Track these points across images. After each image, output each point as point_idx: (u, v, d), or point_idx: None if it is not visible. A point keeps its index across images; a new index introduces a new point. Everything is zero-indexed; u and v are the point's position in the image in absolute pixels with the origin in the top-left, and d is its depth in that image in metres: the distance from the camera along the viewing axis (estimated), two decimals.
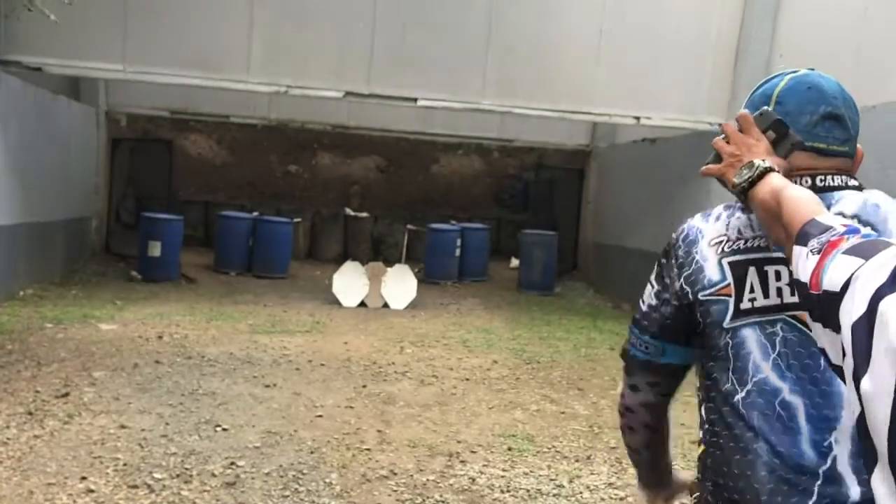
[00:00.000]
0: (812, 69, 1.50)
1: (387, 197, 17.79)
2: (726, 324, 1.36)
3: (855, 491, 1.22)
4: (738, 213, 1.44)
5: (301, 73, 9.23)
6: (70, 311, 8.69)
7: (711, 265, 1.40)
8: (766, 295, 1.35)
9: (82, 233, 12.40)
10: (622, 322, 10.72)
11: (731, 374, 1.35)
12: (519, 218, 17.04)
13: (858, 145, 1.49)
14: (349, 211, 16.51)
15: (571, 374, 7.49)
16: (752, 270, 1.37)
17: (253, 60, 9.06)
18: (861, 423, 0.96)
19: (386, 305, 10.92)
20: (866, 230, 1.14)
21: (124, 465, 4.41)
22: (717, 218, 1.46)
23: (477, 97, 9.73)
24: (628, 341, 1.56)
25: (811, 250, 1.12)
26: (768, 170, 1.37)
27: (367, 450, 4.99)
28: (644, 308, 1.52)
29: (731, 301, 1.37)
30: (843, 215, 1.35)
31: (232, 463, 4.56)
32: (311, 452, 4.86)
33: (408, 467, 4.74)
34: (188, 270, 12.47)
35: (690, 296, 1.41)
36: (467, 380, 6.95)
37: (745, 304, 1.36)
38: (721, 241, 1.42)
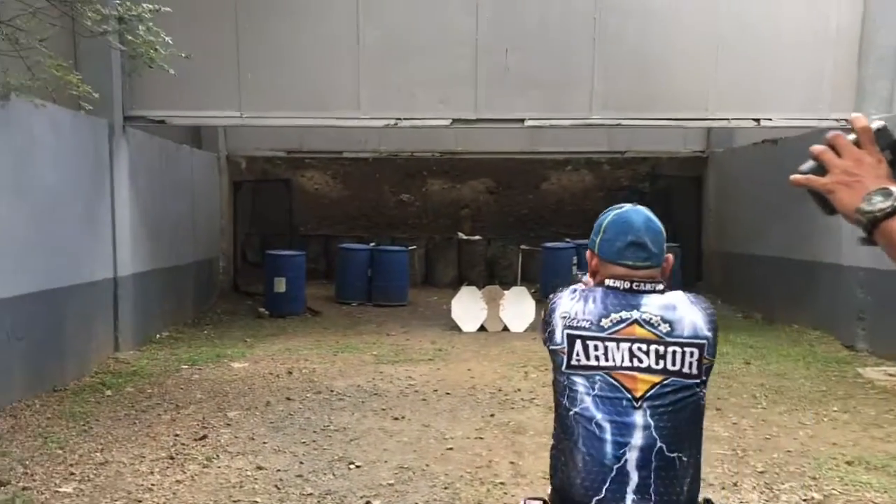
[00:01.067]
0: (634, 205, 2.21)
1: (498, 218, 17.76)
2: (563, 369, 2.08)
3: (632, 486, 1.98)
4: (580, 298, 2.12)
5: (409, 105, 9.32)
6: (203, 352, 9.02)
7: (559, 331, 2.10)
8: (587, 358, 2.06)
9: (211, 274, 12.92)
10: (755, 333, 10.24)
11: (564, 396, 2.08)
12: None
13: (668, 255, 2.17)
14: (462, 235, 16.55)
15: (707, 394, 7.14)
16: (577, 342, 2.07)
17: (362, 97, 9.22)
18: None
19: (506, 329, 10.83)
20: None
21: None
22: (571, 298, 2.14)
23: (585, 112, 9.55)
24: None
25: None
26: None
27: (502, 484, 4.89)
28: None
29: (565, 357, 2.07)
30: (651, 313, 2.05)
31: (367, 502, 4.56)
32: (445, 488, 4.80)
33: None
34: (312, 304, 12.77)
35: (549, 346, 2.13)
36: None
37: (573, 362, 2.06)
38: (566, 317, 2.11)
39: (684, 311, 2.08)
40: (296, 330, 10.87)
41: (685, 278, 13.50)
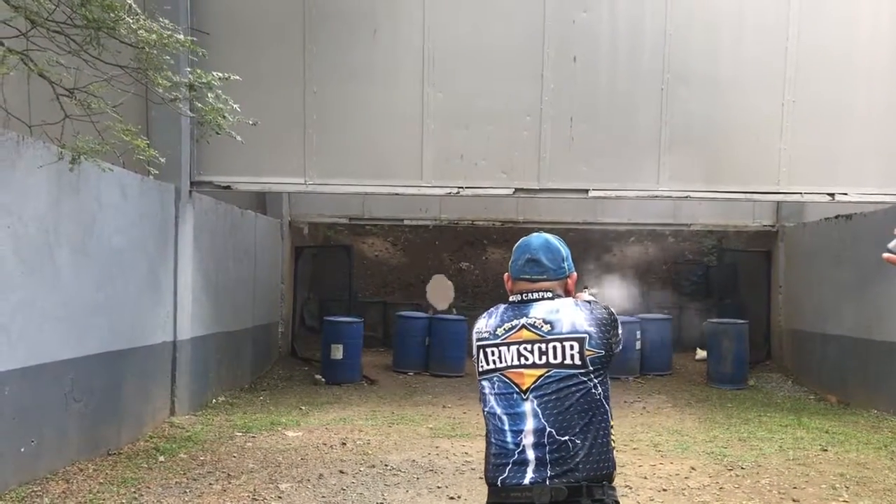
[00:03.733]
0: (539, 232, 2.67)
1: None
2: (477, 377, 2.53)
3: (532, 466, 2.35)
4: (487, 316, 2.59)
5: (471, 173, 9.26)
6: (258, 419, 8.90)
7: (473, 346, 2.56)
8: (487, 364, 2.49)
9: (269, 339, 12.91)
10: (831, 417, 9.69)
11: (481, 401, 2.52)
12: (701, 306, 16.15)
13: (573, 273, 2.61)
14: None
15: (782, 482, 6.72)
16: (480, 351, 2.52)
17: (425, 165, 9.21)
18: None
19: None
20: None
21: None
22: (483, 317, 2.59)
23: (651, 184, 9.36)
24: None
25: None
26: None
27: None
28: None
29: (476, 366, 2.53)
30: (536, 317, 2.46)
31: None
32: None
33: None
34: (369, 372, 12.63)
35: (473, 359, 2.59)
36: (664, 490, 6.38)
37: (480, 368, 2.51)
38: (478, 333, 2.56)
39: (565, 312, 2.46)
40: (351, 398, 10.71)
41: (753, 356, 13.00)
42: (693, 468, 7.10)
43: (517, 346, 2.43)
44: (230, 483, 6.29)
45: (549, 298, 2.50)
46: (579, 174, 9.32)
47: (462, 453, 7.58)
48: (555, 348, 2.40)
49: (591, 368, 2.38)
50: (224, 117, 6.28)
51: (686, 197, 9.54)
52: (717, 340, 12.47)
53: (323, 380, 11.91)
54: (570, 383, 2.37)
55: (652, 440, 8.26)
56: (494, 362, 2.46)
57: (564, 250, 2.62)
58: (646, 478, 6.74)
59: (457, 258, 18.68)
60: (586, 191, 9.43)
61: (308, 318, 15.84)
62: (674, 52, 9.16)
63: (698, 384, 12.47)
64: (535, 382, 2.39)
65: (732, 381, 12.12)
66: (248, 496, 5.94)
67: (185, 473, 6.53)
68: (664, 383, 12.52)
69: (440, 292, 14.34)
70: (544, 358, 2.39)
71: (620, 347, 2.54)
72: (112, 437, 7.30)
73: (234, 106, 6.32)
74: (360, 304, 15.77)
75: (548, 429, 2.35)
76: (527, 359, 2.41)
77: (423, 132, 9.17)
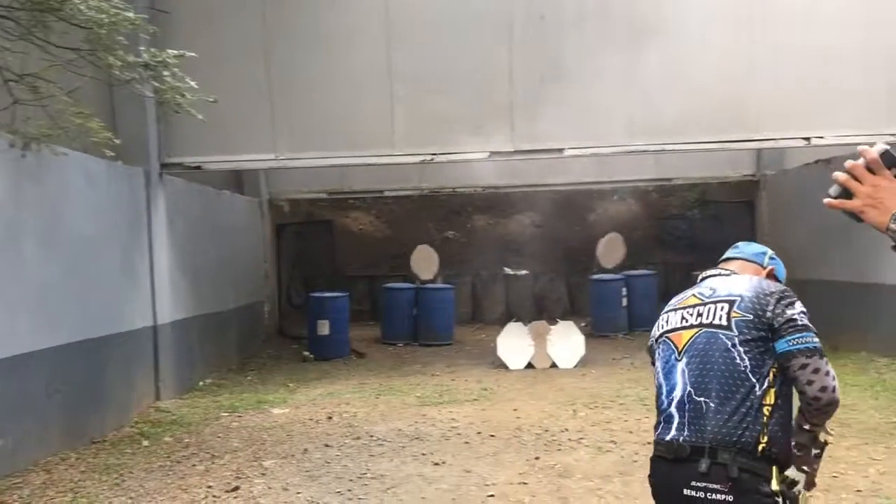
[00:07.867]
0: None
1: (545, 252, 17.39)
2: (654, 338, 2.64)
3: (675, 423, 2.39)
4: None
5: (444, 139, 9.15)
6: (245, 398, 8.87)
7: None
8: (658, 329, 2.60)
9: (255, 318, 12.85)
10: (831, 361, 9.68)
11: (655, 362, 2.60)
12: (687, 260, 16.12)
13: (771, 268, 2.68)
14: (508, 270, 16.26)
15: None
16: (660, 318, 2.63)
17: (397, 133, 9.08)
18: None
19: (554, 365, 10.49)
20: None
21: None
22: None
23: (626, 139, 9.25)
24: None
25: None
26: None
27: None
28: None
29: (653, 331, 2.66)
30: (706, 286, 2.58)
31: None
32: None
33: None
34: (358, 346, 12.60)
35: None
36: (649, 443, 6.36)
37: (656, 332, 2.63)
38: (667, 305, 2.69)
39: (733, 282, 2.51)
40: (339, 373, 10.69)
41: None
42: None
43: (682, 311, 2.53)
44: (214, 463, 6.26)
45: (726, 274, 2.60)
46: (553, 133, 9.20)
47: (449, 419, 7.57)
48: (709, 310, 2.45)
49: (735, 332, 2.35)
50: (183, 95, 6.15)
51: (661, 150, 9.46)
52: None
53: (311, 356, 11.88)
54: (714, 343, 2.38)
55: (638, 395, 8.26)
56: (662, 326, 2.58)
57: (771, 252, 2.72)
58: (631, 432, 6.75)
59: (442, 227, 18.59)
60: (561, 150, 9.34)
61: (295, 296, 15.77)
62: (639, 6, 9.01)
63: None
64: (687, 343, 2.45)
65: None
66: (232, 475, 5.91)
67: (168, 456, 6.50)
68: None
69: (424, 262, 14.28)
70: (699, 319, 2.46)
71: (798, 324, 2.35)
72: (96, 425, 7.26)
73: (192, 83, 6.19)
74: (347, 278, 15.72)
75: (688, 388, 2.39)
76: (686, 321, 2.49)
77: (392, 98, 9.03)
